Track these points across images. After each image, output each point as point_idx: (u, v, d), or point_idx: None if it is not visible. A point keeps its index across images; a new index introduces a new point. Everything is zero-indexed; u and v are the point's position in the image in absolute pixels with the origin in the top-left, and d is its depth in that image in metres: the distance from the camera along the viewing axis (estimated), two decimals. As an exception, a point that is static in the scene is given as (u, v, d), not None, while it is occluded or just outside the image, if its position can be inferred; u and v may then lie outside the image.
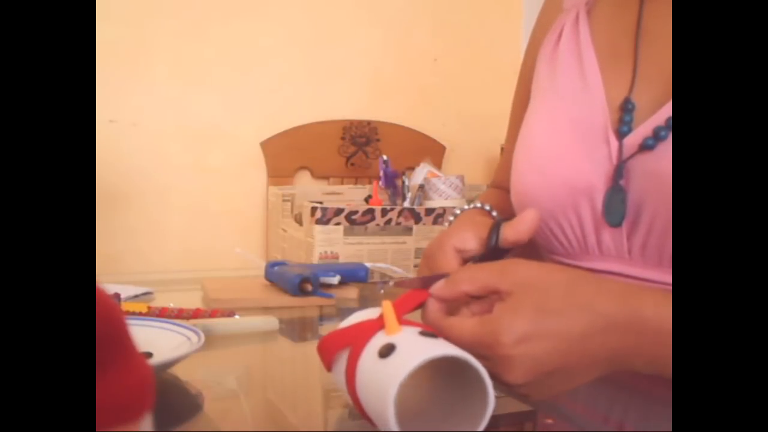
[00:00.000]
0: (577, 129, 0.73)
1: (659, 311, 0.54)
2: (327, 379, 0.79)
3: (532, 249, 0.83)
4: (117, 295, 0.95)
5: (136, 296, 1.00)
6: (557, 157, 0.74)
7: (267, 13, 2.10)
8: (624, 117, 0.71)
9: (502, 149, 2.20)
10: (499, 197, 0.90)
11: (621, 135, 0.70)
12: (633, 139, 0.70)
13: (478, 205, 0.78)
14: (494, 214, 0.76)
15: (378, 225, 1.59)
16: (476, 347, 0.53)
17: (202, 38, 2.04)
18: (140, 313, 0.86)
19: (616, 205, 0.70)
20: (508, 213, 0.77)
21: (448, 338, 0.54)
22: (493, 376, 0.53)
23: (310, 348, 0.94)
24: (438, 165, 2.17)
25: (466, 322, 0.54)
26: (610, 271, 0.72)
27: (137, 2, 1.98)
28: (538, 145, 0.77)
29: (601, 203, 0.71)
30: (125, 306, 0.88)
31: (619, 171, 0.69)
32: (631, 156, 0.69)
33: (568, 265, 0.76)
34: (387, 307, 0.55)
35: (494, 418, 0.60)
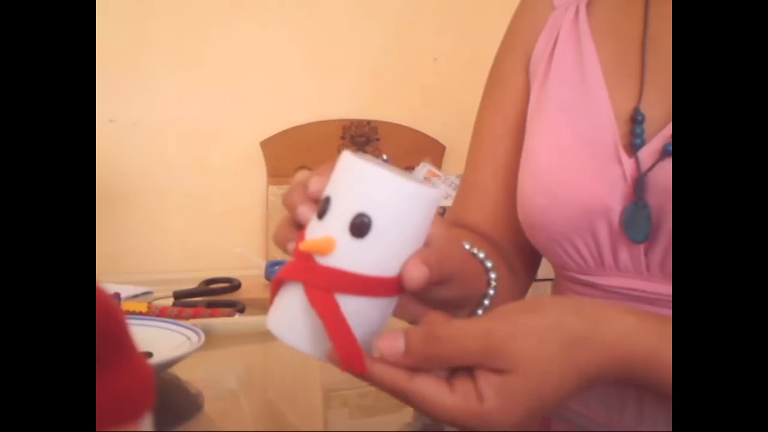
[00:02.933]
0: (585, 147, 0.69)
1: (649, 373, 0.50)
2: (327, 379, 0.79)
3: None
4: (117, 295, 0.95)
5: (136, 296, 1.01)
6: (567, 179, 0.70)
7: (267, 13, 2.10)
8: (635, 129, 0.67)
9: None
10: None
11: (634, 148, 0.67)
12: (648, 152, 0.67)
13: None
14: (488, 264, 0.64)
15: (378, 225, 1.59)
16: (458, 426, 0.47)
17: (203, 38, 2.04)
18: (140, 313, 0.86)
19: (640, 221, 0.66)
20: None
21: (419, 408, 0.47)
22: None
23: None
24: (438, 165, 2.16)
25: (446, 399, 0.46)
26: (628, 287, 0.69)
27: (137, 2, 1.98)
28: (544, 164, 0.72)
29: (617, 221, 0.67)
30: (125, 306, 0.88)
31: (641, 186, 0.66)
32: (651, 168, 0.66)
33: (584, 281, 0.72)
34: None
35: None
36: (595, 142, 0.69)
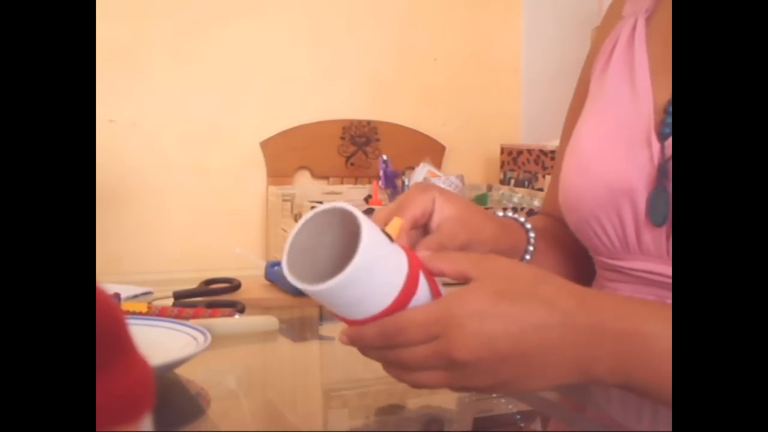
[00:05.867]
0: (622, 132, 0.74)
1: (620, 319, 0.54)
2: (327, 379, 0.79)
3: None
4: (117, 295, 0.95)
5: (136, 296, 1.01)
6: (600, 158, 0.75)
7: (267, 13, 2.10)
8: (665, 119, 0.71)
9: (502, 150, 2.21)
10: (543, 222, 0.86)
11: (662, 137, 0.71)
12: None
13: (510, 214, 0.77)
14: (527, 225, 0.76)
15: (378, 225, 1.59)
16: (430, 325, 0.52)
17: (202, 38, 2.04)
18: (140, 313, 0.86)
19: (660, 205, 0.70)
20: (549, 239, 0.78)
21: (402, 321, 0.53)
22: (446, 357, 0.53)
23: (310, 348, 0.94)
24: (438, 165, 2.16)
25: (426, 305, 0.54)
26: (651, 271, 0.72)
27: (137, 2, 1.98)
28: (584, 147, 0.78)
29: (642, 204, 0.71)
30: (125, 306, 0.88)
31: (663, 171, 0.70)
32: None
33: (612, 266, 0.76)
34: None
35: (494, 418, 0.60)
36: (632, 128, 0.74)
